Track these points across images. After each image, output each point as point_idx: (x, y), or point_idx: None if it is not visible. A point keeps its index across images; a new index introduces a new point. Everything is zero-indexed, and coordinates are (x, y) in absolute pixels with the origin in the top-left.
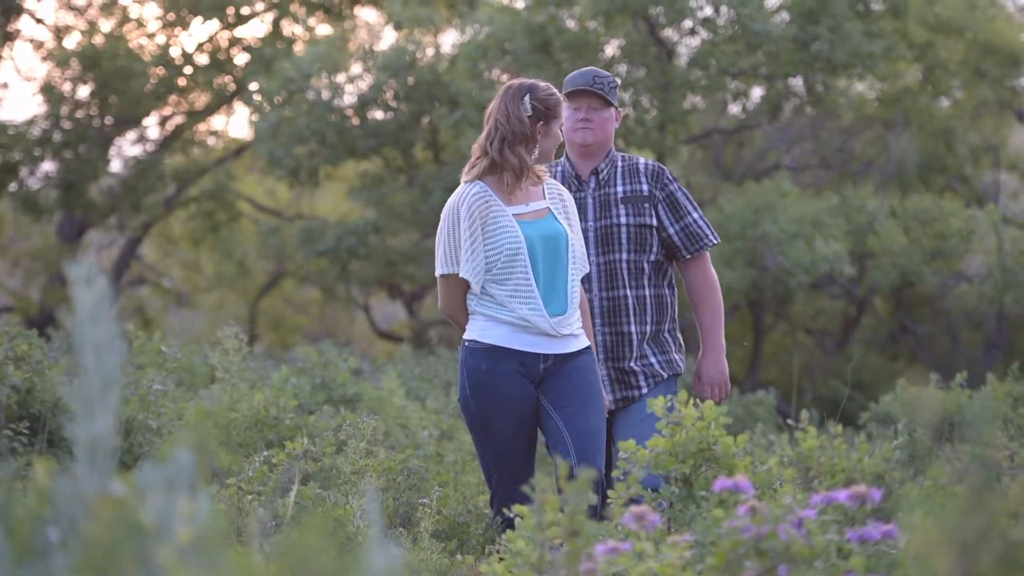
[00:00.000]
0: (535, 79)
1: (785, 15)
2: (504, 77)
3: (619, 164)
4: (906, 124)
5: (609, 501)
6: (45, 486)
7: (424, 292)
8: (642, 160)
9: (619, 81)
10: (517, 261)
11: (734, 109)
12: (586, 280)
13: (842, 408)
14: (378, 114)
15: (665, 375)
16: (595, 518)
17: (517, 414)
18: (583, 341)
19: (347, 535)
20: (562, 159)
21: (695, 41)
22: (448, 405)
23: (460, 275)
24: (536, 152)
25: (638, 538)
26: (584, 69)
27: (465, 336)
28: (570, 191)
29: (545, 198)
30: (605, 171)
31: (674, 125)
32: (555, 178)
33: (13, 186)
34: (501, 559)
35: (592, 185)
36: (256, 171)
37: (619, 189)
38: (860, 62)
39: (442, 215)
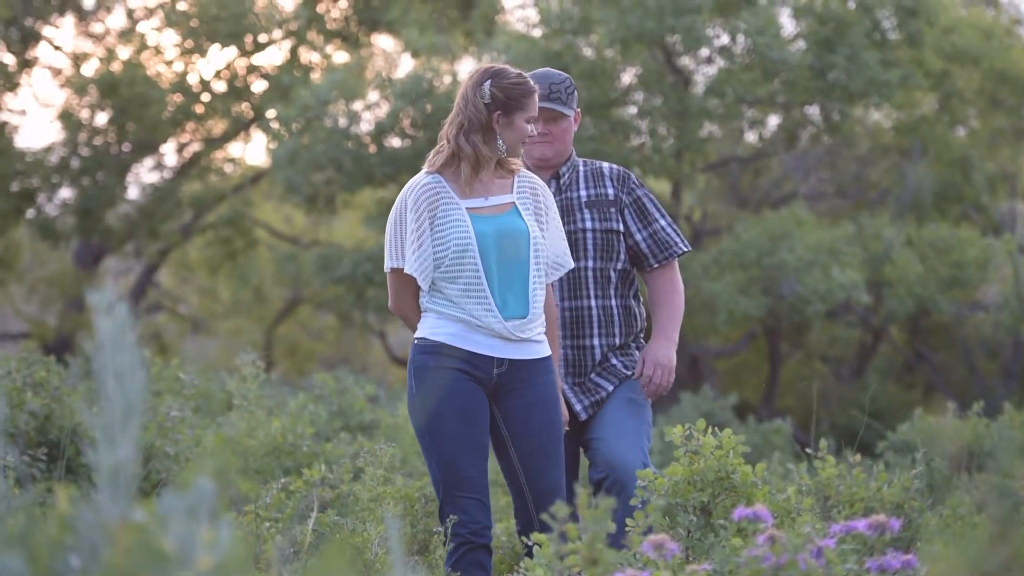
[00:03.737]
0: (506, 65)
1: (802, 44)
2: None
3: (581, 168)
4: (922, 153)
5: (628, 529)
6: (66, 513)
7: None
8: (606, 164)
9: (574, 83)
10: (466, 258)
11: (751, 137)
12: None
13: (859, 437)
14: (395, 141)
15: (628, 372)
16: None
17: (465, 413)
18: (544, 349)
19: (365, 562)
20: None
21: (712, 69)
22: None
23: (405, 271)
24: (501, 144)
25: (657, 567)
26: (537, 75)
27: (415, 334)
28: None
29: (512, 192)
30: (567, 175)
31: (691, 153)
32: None
33: (31, 212)
34: None
35: (552, 189)
36: (273, 198)
37: (582, 193)
38: (876, 91)
39: (393, 206)
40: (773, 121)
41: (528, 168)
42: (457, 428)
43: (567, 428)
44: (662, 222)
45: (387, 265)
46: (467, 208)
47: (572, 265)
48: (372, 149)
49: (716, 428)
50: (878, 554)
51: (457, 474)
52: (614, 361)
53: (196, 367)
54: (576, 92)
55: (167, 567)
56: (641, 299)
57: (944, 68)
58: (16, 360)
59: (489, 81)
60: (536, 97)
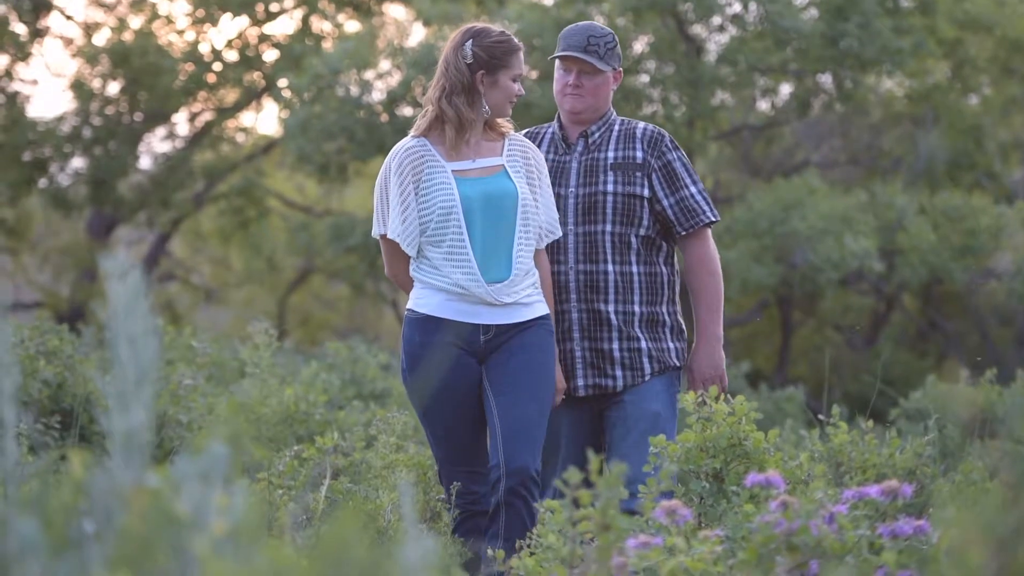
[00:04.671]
0: (490, 24)
1: (814, 11)
2: (533, 73)
3: (615, 128)
4: (935, 121)
5: (641, 495)
6: (81, 478)
7: None
8: (642, 124)
9: (617, 39)
10: (450, 221)
11: (763, 106)
12: (562, 251)
13: (872, 405)
14: (407, 110)
15: (648, 371)
16: (528, 521)
17: (454, 391)
18: (536, 310)
19: (378, 529)
20: (553, 121)
21: (724, 37)
22: None
23: (388, 236)
24: (485, 106)
25: (669, 533)
26: (579, 27)
27: (407, 305)
28: (556, 154)
29: (502, 155)
30: (597, 134)
31: (703, 121)
32: (539, 141)
33: (43, 182)
34: (532, 553)
35: (579, 148)
36: (285, 167)
37: (609, 154)
38: (889, 59)
39: (379, 173)
40: (785, 89)
41: (561, 122)
42: (447, 406)
43: (560, 396)
44: (691, 189)
45: (374, 232)
46: (453, 171)
47: (560, 234)
48: (384, 118)
49: (729, 395)
50: (890, 520)
51: (450, 449)
52: (643, 345)
53: (209, 336)
54: (618, 50)
55: (181, 531)
56: (675, 265)
57: (957, 36)
58: (29, 329)
59: (471, 41)
60: (521, 55)
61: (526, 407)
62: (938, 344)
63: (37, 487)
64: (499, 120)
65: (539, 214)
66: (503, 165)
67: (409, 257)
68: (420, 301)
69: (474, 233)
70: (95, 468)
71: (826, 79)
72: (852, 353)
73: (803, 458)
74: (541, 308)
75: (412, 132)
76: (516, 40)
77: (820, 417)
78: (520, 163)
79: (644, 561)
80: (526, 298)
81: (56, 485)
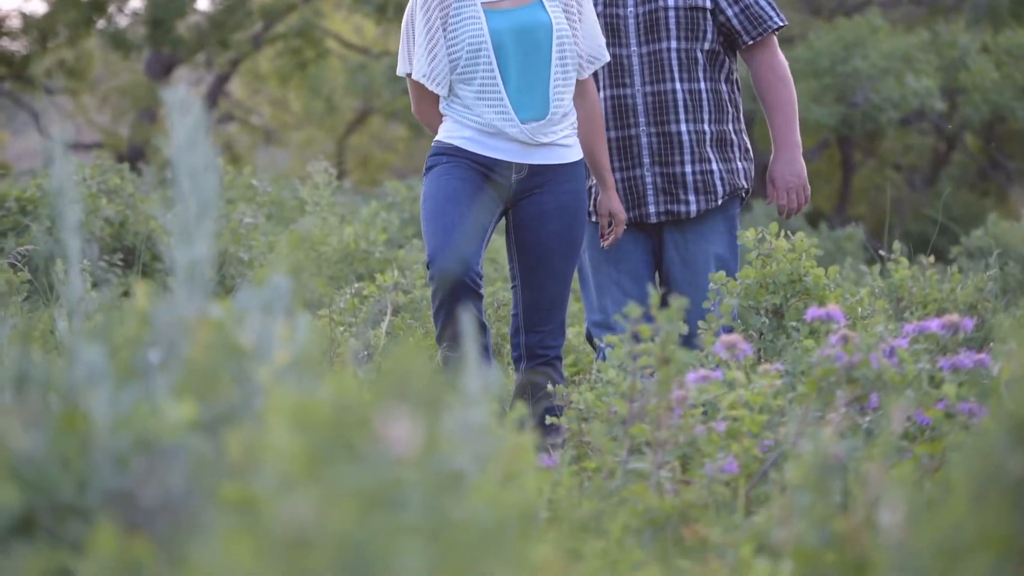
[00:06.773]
0: None
1: None
2: None
3: None
4: None
5: (700, 331)
6: (145, 309)
7: None
8: None
9: None
10: (480, 57)
11: None
12: (627, 74)
13: (932, 242)
14: None
15: (721, 191)
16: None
17: (463, 192)
18: (573, 153)
19: (439, 365)
20: None
21: None
22: None
23: (414, 76)
24: None
25: (729, 367)
26: None
27: (434, 139)
28: None
29: None
30: None
31: None
32: None
33: (102, 23)
34: (592, 387)
35: None
36: (343, 8)
37: None
38: None
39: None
40: None
41: None
42: (455, 196)
43: (619, 228)
44: None
45: (399, 70)
46: (483, 2)
47: (608, 58)
48: None
49: (788, 233)
50: (951, 354)
51: (444, 230)
52: (714, 167)
53: (269, 176)
54: None
55: (244, 361)
56: (738, 83)
57: None
58: (90, 168)
59: None
60: None
61: (549, 289)
62: (999, 183)
63: (102, 319)
64: None
65: (583, 44)
66: None
67: (437, 96)
68: (451, 133)
69: (507, 69)
70: (159, 300)
71: None
72: (912, 193)
73: (863, 293)
74: (577, 152)
75: None
76: None
77: (881, 253)
78: None
79: (704, 395)
80: (564, 139)
81: (120, 317)
